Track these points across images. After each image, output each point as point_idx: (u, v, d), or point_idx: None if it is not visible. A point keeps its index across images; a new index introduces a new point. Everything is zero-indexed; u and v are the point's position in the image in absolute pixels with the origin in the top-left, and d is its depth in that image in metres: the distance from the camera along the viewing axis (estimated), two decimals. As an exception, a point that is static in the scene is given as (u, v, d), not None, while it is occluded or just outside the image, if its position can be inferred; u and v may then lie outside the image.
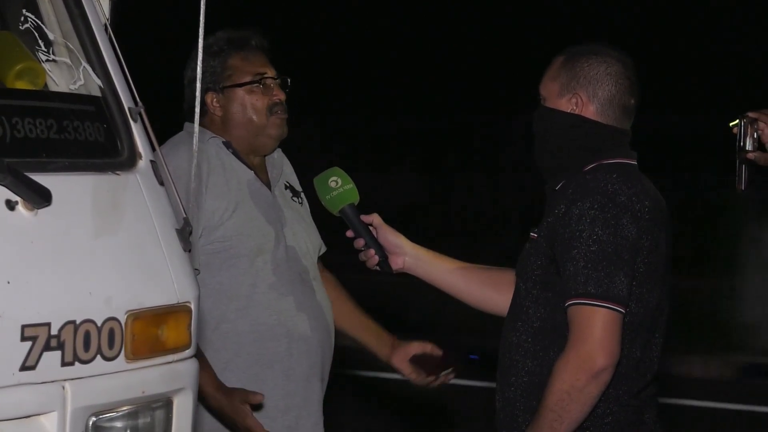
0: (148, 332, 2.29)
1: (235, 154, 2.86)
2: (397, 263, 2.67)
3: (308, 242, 2.97)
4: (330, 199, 2.62)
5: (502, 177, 13.67)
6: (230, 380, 2.80)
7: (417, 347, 3.00)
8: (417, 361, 2.97)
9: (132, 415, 2.30)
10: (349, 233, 2.64)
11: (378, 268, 2.66)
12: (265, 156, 2.97)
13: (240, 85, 2.86)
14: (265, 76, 2.88)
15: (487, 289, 2.73)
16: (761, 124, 2.59)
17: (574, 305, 2.39)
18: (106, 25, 2.49)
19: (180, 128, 2.97)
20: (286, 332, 2.85)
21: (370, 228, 2.65)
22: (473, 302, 2.76)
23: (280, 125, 2.87)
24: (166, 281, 2.35)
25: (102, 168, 2.32)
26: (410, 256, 2.69)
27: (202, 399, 2.66)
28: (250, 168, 2.90)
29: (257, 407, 2.75)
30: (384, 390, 7.61)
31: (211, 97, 2.89)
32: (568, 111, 2.54)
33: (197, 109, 2.30)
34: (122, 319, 2.23)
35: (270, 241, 2.85)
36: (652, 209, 2.46)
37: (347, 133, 14.92)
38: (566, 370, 2.37)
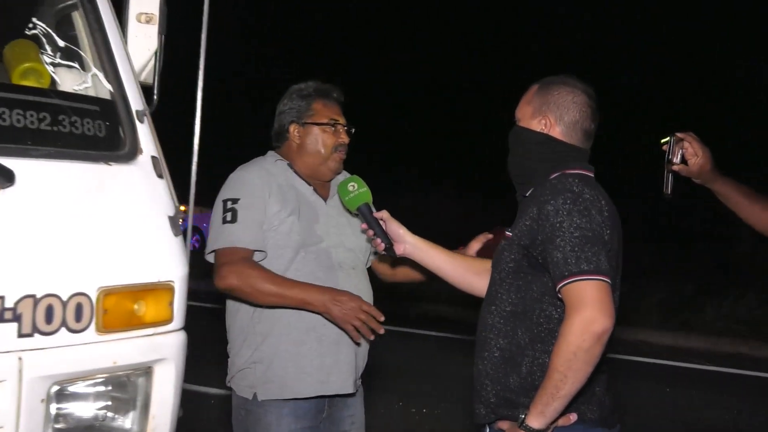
0: (122, 307, 2.32)
1: (298, 174, 3.44)
2: (399, 249, 3.04)
3: (352, 241, 3.49)
4: (349, 200, 3.06)
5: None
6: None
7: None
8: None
9: (104, 383, 2.31)
10: (363, 226, 3.05)
11: (385, 252, 3.00)
12: (326, 180, 3.56)
13: (318, 124, 3.49)
14: (338, 122, 3.52)
15: (469, 275, 3.12)
16: (686, 144, 3.09)
17: (570, 283, 2.59)
18: (127, 44, 2.69)
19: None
20: None
21: (381, 222, 3.03)
22: (457, 284, 3.14)
23: (339, 162, 3.47)
24: (148, 262, 2.39)
25: (94, 158, 2.41)
26: (410, 244, 3.06)
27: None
28: (310, 185, 3.48)
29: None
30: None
31: (294, 128, 3.50)
32: (538, 130, 2.90)
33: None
34: (93, 294, 2.27)
35: (313, 237, 3.40)
36: (609, 210, 2.72)
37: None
38: (572, 332, 2.54)
